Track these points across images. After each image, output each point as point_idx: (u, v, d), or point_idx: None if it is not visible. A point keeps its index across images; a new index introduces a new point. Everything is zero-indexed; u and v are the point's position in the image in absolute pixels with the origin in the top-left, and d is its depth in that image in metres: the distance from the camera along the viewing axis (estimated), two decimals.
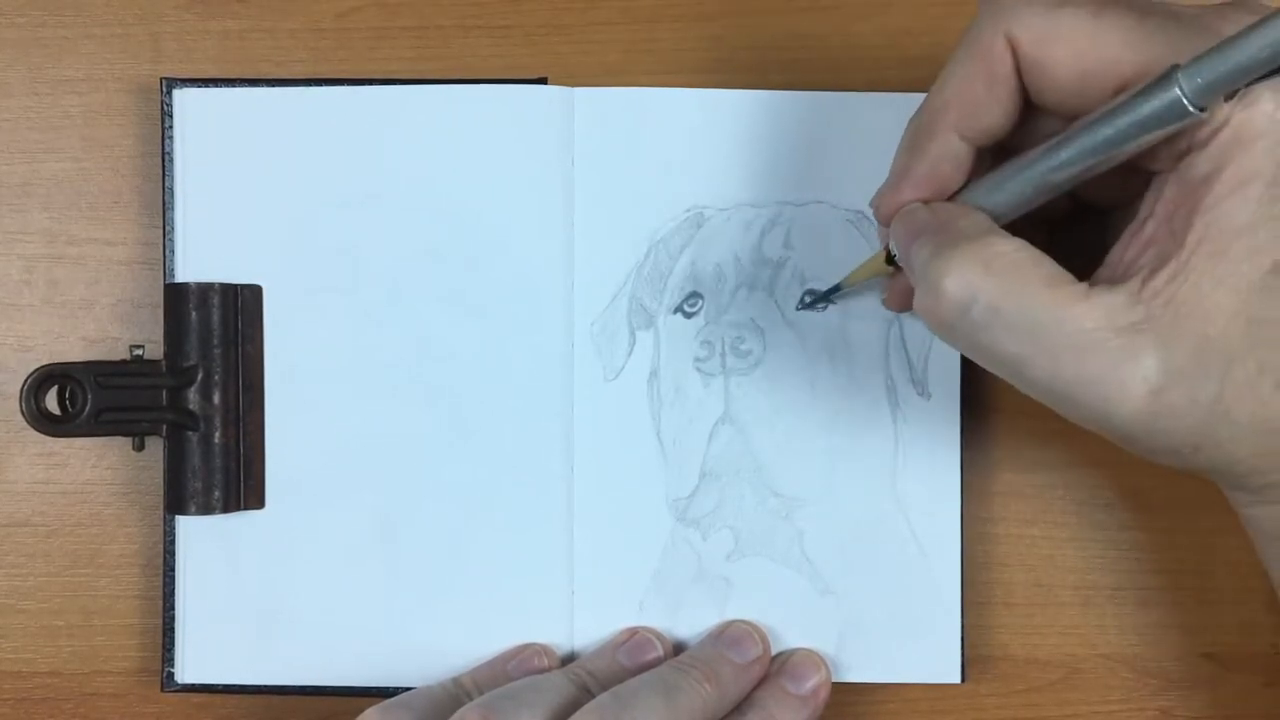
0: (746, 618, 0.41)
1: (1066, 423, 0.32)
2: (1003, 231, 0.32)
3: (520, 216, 0.41)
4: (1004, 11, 0.32)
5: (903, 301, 0.38)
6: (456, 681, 0.40)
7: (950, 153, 0.33)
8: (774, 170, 0.41)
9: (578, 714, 0.36)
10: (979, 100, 0.33)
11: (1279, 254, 0.30)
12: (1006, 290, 0.30)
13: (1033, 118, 0.34)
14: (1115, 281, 0.31)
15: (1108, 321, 0.30)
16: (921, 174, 0.34)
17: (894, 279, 0.38)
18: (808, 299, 0.41)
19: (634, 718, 0.36)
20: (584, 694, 0.38)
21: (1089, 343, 0.30)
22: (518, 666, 0.41)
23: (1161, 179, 0.31)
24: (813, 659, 0.41)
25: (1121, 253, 0.32)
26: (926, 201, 0.34)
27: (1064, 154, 0.31)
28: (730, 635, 0.41)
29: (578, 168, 0.41)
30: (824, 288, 0.41)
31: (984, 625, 0.42)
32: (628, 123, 0.41)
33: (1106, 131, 0.30)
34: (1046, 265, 0.31)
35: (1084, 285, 0.30)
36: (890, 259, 0.36)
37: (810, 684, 0.40)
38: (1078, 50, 0.31)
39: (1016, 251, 0.31)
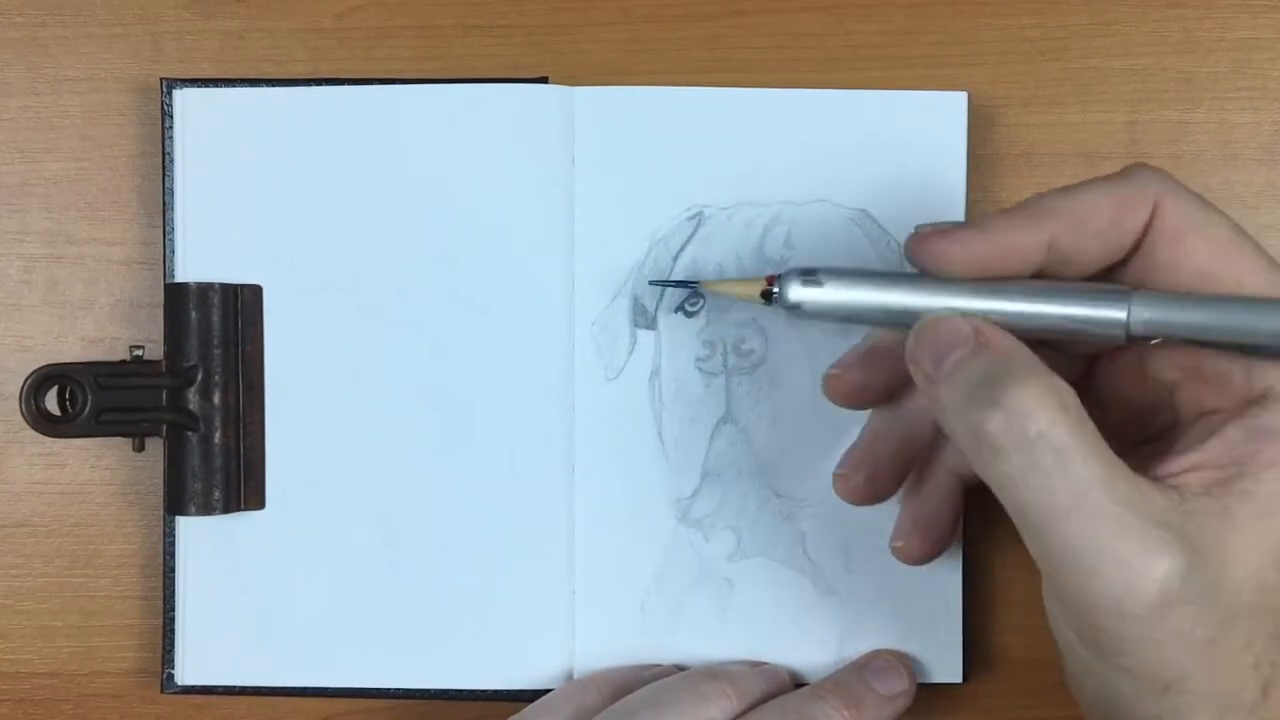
0: (748, 618, 0.41)
1: None
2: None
3: (521, 216, 0.41)
4: (1165, 180, 0.32)
5: (850, 395, 0.37)
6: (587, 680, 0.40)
7: (1034, 247, 0.32)
8: (775, 169, 0.41)
9: None
10: (1091, 230, 0.32)
11: None
12: (1073, 437, 0.29)
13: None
14: (1155, 479, 0.30)
15: (1149, 510, 0.29)
16: (998, 241, 0.32)
17: (845, 370, 0.37)
18: (665, 281, 0.41)
19: None
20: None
21: (1131, 522, 0.29)
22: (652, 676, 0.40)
23: (1223, 418, 0.31)
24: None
25: (1164, 463, 0.31)
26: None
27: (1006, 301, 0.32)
28: (876, 666, 0.40)
29: (578, 167, 0.41)
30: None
31: (985, 625, 0.42)
32: (628, 122, 0.41)
33: (1044, 305, 0.32)
34: (1096, 427, 0.30)
35: (1126, 466, 0.30)
36: (767, 298, 0.35)
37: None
38: (1212, 250, 0.31)
39: (1079, 403, 0.30)
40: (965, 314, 0.32)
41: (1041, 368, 0.30)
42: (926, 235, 0.33)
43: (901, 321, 0.33)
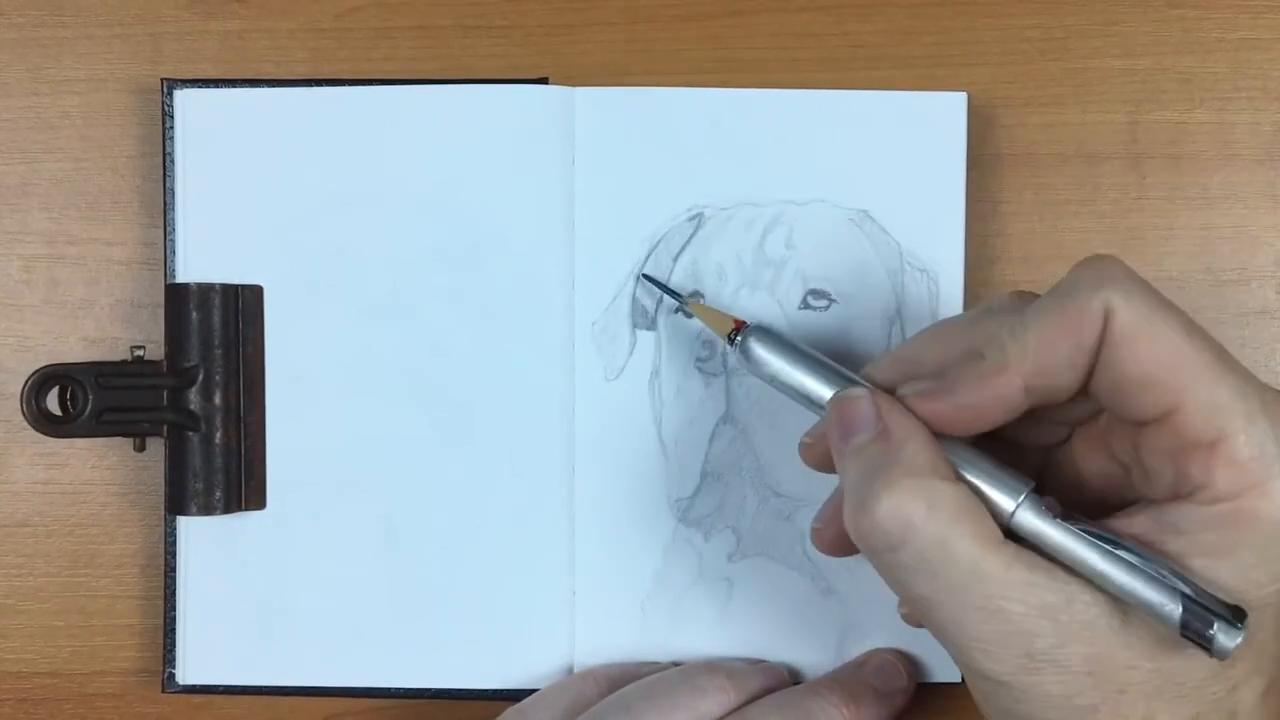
0: (748, 618, 0.41)
1: None
2: (947, 465, 0.31)
3: (521, 216, 0.41)
4: (1112, 280, 0.30)
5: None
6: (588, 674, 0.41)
7: (1009, 395, 0.31)
8: (775, 170, 0.41)
9: None
10: (1059, 360, 0.31)
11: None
12: (940, 540, 0.30)
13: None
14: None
15: (1023, 591, 0.30)
16: (970, 401, 0.32)
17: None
18: (647, 280, 0.41)
19: None
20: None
21: (998, 608, 0.30)
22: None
23: (1141, 506, 0.31)
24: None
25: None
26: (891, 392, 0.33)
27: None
28: (875, 663, 0.40)
29: (578, 168, 0.41)
30: (827, 288, 0.41)
31: None
32: (628, 123, 0.41)
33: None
34: (980, 518, 0.30)
35: (1012, 546, 0.30)
36: (731, 340, 0.37)
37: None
38: (1158, 355, 0.30)
39: (955, 500, 0.30)
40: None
41: (920, 465, 0.31)
42: (909, 401, 0.33)
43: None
